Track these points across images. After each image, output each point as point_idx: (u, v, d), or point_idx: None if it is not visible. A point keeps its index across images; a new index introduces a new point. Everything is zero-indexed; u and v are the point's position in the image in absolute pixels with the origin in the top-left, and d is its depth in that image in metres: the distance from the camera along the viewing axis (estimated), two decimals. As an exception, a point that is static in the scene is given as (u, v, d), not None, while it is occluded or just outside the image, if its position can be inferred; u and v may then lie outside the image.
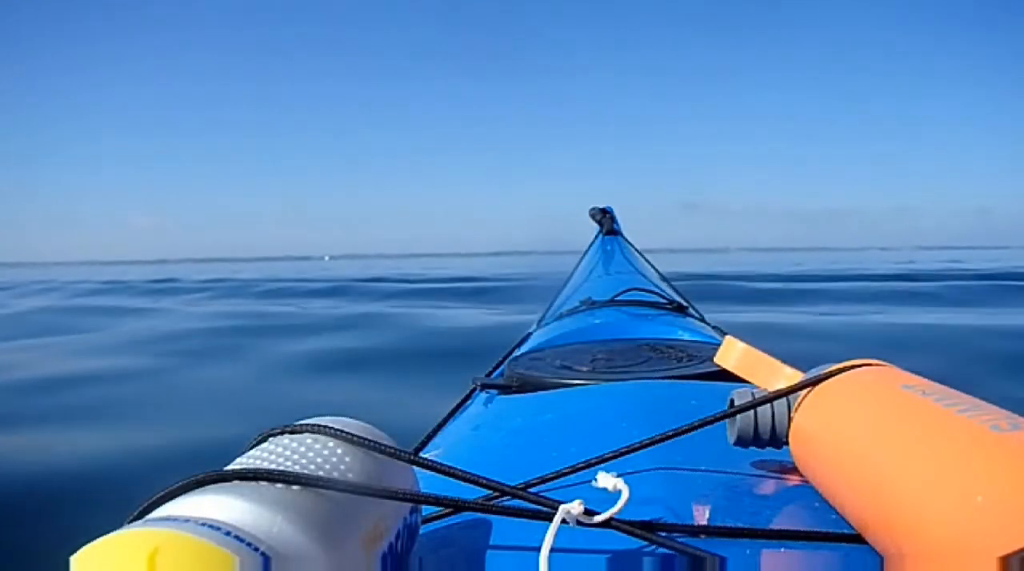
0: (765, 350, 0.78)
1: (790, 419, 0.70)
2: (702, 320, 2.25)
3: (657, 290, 2.34)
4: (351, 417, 0.58)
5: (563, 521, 0.52)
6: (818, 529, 0.58)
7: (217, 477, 0.45)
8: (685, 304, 2.29)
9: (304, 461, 0.50)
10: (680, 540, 0.55)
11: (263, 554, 0.39)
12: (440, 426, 1.28)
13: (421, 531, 0.59)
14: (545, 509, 0.53)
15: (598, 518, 0.53)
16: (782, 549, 0.57)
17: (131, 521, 0.42)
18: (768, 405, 0.71)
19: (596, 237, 3.11)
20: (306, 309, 9.58)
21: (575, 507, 0.53)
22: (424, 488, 0.58)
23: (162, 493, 0.45)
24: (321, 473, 0.49)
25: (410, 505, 0.55)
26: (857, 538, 0.56)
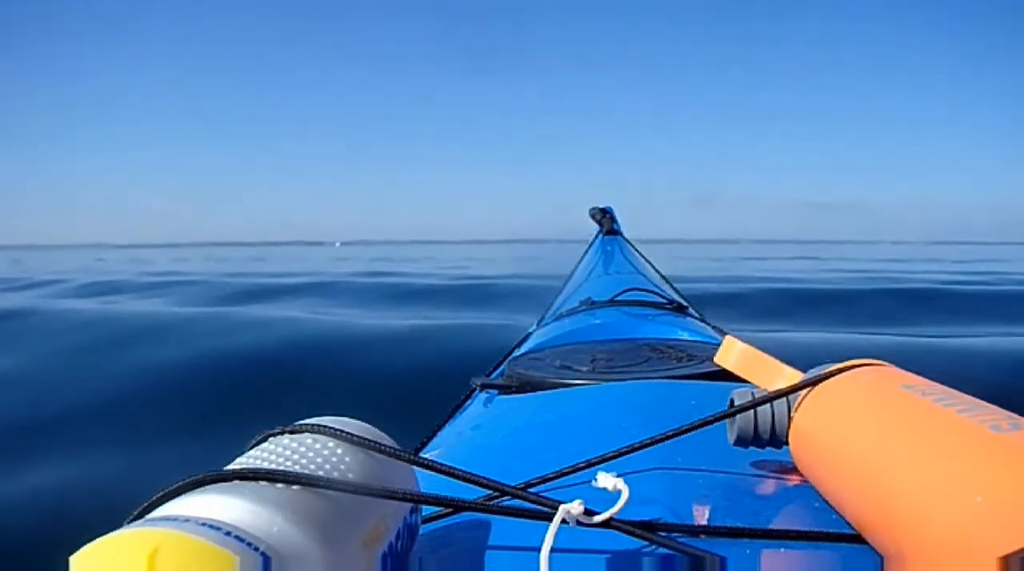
0: (765, 350, 0.78)
1: (790, 419, 0.70)
2: (702, 320, 2.25)
3: (657, 290, 2.34)
4: (351, 417, 0.58)
5: (563, 521, 0.52)
6: (818, 529, 0.58)
7: (217, 477, 0.45)
8: (685, 304, 2.29)
9: (304, 461, 0.50)
10: (680, 540, 0.55)
11: (263, 554, 0.39)
12: (440, 426, 1.28)
13: (421, 531, 0.59)
14: (545, 509, 0.53)
15: (598, 518, 0.53)
16: (782, 549, 0.56)
17: (131, 521, 0.42)
18: (768, 405, 0.71)
19: (596, 237, 3.10)
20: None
21: (575, 507, 0.52)
22: (424, 488, 0.58)
23: (162, 493, 0.45)
24: (321, 473, 0.49)
25: (410, 505, 0.55)
26: (857, 538, 0.56)
